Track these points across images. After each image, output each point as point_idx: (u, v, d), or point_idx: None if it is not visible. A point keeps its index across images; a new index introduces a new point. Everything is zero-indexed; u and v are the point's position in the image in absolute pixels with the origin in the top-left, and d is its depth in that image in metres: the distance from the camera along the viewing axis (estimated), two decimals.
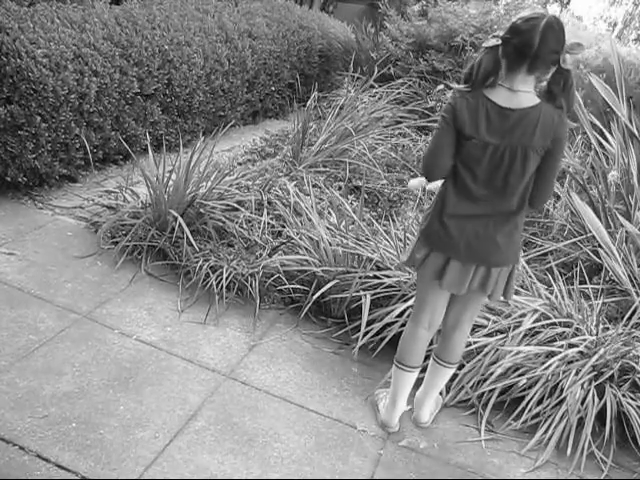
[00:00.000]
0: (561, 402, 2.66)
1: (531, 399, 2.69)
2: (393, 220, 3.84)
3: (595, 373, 2.72)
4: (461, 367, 2.78)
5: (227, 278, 3.20)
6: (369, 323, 2.95)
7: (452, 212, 2.20)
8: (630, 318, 3.04)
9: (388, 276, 3.11)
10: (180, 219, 3.36)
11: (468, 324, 2.50)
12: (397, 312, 2.93)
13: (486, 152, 2.07)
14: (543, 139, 2.02)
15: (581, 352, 2.81)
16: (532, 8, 2.22)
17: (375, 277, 3.12)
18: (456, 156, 2.14)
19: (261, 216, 3.69)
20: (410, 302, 2.96)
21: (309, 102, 5.01)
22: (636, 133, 4.16)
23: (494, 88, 2.06)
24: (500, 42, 2.01)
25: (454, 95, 2.10)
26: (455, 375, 2.75)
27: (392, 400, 2.57)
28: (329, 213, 3.78)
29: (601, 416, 2.64)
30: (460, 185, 2.17)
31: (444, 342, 2.51)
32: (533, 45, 1.92)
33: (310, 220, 3.55)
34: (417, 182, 2.78)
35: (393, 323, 2.95)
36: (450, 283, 2.26)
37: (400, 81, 6.36)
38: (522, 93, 2.03)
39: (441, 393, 2.76)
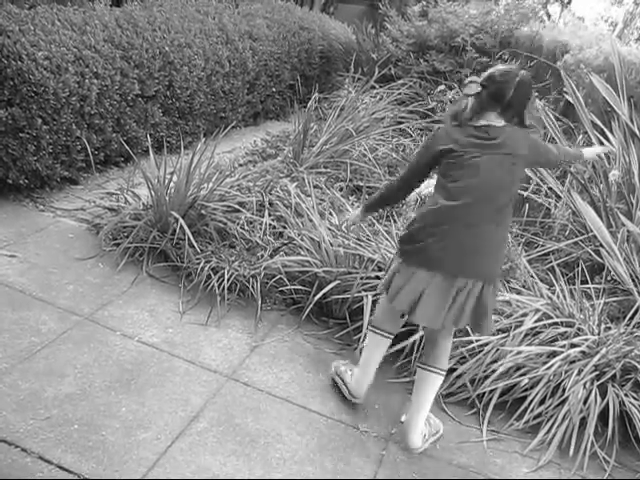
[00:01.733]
0: (563, 402, 2.66)
1: (533, 399, 2.69)
2: (394, 220, 3.84)
3: (597, 373, 2.72)
4: (462, 365, 2.78)
5: (229, 279, 3.20)
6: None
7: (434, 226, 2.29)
8: (632, 318, 3.04)
9: None
10: (181, 221, 3.36)
11: (448, 330, 2.45)
12: None
13: (470, 163, 2.22)
14: (522, 148, 2.26)
15: (583, 352, 2.80)
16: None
17: (377, 277, 3.12)
18: (441, 173, 2.31)
19: (262, 217, 3.70)
20: None
21: (310, 103, 5.01)
22: (637, 132, 4.16)
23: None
24: (480, 89, 2.26)
25: (438, 129, 2.42)
26: (454, 371, 2.76)
27: (364, 368, 2.60)
28: (330, 214, 3.78)
29: (603, 416, 2.63)
30: (446, 198, 2.26)
31: (428, 347, 2.50)
32: (507, 95, 2.22)
33: (311, 221, 3.55)
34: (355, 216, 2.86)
35: None
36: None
37: (401, 82, 6.35)
38: (495, 121, 2.29)
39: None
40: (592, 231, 3.57)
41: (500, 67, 2.32)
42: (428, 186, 2.55)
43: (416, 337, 2.89)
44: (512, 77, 2.23)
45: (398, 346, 2.91)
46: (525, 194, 4.11)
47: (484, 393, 2.76)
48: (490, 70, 2.30)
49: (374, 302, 3.02)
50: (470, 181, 2.22)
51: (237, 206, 3.69)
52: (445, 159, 2.27)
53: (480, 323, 2.30)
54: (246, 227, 3.64)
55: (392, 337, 2.58)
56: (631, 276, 3.30)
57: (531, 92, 2.33)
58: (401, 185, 2.51)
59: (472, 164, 2.21)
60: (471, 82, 2.30)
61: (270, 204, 3.84)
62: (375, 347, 2.58)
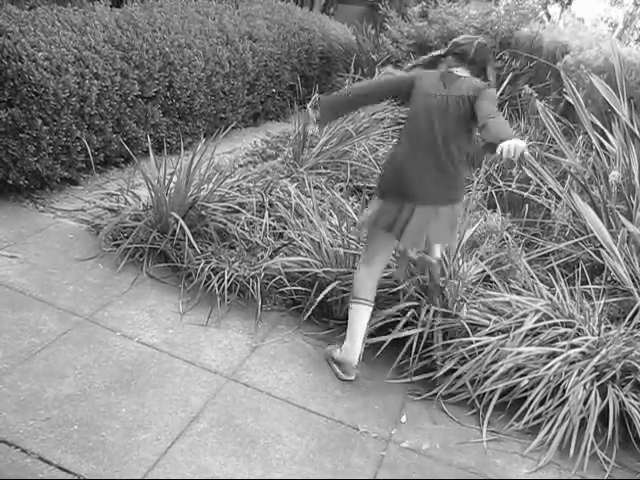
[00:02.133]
0: (563, 403, 2.65)
1: (533, 400, 2.69)
2: None
3: (597, 373, 2.72)
4: (462, 366, 2.79)
5: (229, 280, 3.20)
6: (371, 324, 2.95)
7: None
8: (632, 318, 3.03)
9: (390, 277, 3.11)
10: (181, 221, 3.36)
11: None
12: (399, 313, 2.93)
13: (430, 101, 2.61)
14: (472, 91, 2.57)
15: (583, 352, 2.80)
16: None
17: None
18: (405, 116, 2.73)
19: (262, 218, 3.70)
20: (410, 302, 2.97)
21: (310, 104, 5.01)
22: (637, 133, 4.16)
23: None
24: (443, 52, 2.78)
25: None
26: (454, 372, 2.76)
27: (351, 341, 2.78)
28: (330, 214, 3.78)
29: (603, 417, 2.63)
30: (409, 138, 2.68)
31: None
32: (470, 53, 2.67)
33: (311, 222, 3.55)
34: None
35: (395, 323, 2.96)
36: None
37: None
38: (460, 72, 2.68)
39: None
40: (592, 232, 3.57)
41: (462, 36, 2.86)
42: None
43: (415, 337, 2.89)
44: (472, 40, 2.72)
45: (397, 346, 2.92)
46: (525, 195, 4.11)
47: (484, 394, 2.76)
48: (454, 39, 2.79)
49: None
50: (428, 116, 2.60)
51: (237, 207, 3.69)
52: (411, 94, 2.67)
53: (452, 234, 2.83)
54: (246, 228, 3.64)
55: (373, 305, 2.81)
56: (631, 277, 3.30)
57: (490, 52, 2.82)
58: (372, 89, 2.92)
59: (431, 102, 2.61)
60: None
61: (270, 205, 3.84)
62: (360, 318, 2.78)
